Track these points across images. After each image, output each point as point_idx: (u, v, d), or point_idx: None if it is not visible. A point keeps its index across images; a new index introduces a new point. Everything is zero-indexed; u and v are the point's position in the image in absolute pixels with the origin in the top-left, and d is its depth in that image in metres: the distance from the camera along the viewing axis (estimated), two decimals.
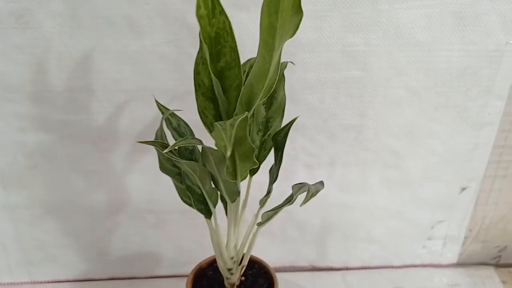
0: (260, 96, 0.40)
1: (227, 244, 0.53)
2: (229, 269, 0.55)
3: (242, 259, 0.55)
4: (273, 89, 0.40)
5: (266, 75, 0.39)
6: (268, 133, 0.52)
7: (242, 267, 0.56)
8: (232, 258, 0.54)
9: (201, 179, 0.46)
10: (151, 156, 0.66)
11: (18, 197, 0.69)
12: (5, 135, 0.64)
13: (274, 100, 0.51)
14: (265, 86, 0.39)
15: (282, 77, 0.50)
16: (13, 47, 0.58)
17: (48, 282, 0.76)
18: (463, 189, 0.72)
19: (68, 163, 0.67)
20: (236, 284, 0.57)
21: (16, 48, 0.58)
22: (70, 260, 0.75)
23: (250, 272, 0.60)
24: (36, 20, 0.56)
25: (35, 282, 0.76)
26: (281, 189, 0.66)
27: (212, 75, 0.41)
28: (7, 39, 0.57)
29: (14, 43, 0.58)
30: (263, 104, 0.51)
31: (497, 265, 0.80)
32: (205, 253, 0.62)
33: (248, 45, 0.58)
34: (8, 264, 0.74)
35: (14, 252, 0.73)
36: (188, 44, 0.58)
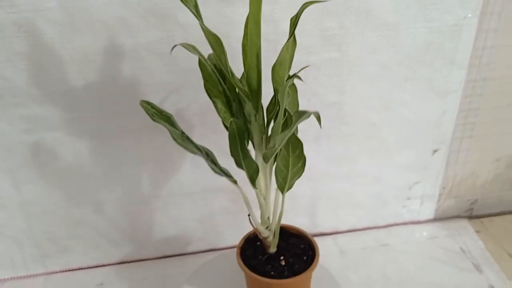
0: None
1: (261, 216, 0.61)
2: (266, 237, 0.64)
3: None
4: None
5: None
6: None
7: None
8: (267, 227, 0.63)
9: None
10: (158, 143, 0.72)
11: (29, 195, 0.73)
12: (14, 137, 0.68)
13: None
14: None
15: None
16: (16, 54, 0.62)
17: (62, 271, 0.81)
18: (435, 151, 0.80)
19: (73, 158, 0.71)
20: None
21: (19, 55, 0.62)
22: (82, 249, 0.80)
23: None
24: (37, 28, 0.60)
25: (49, 273, 0.81)
26: None
27: None
28: (10, 47, 0.61)
29: (17, 51, 0.62)
30: None
31: (470, 217, 0.89)
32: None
33: (233, 35, 0.63)
34: (23, 258, 0.79)
35: (28, 246, 0.78)
36: (181, 39, 0.63)
